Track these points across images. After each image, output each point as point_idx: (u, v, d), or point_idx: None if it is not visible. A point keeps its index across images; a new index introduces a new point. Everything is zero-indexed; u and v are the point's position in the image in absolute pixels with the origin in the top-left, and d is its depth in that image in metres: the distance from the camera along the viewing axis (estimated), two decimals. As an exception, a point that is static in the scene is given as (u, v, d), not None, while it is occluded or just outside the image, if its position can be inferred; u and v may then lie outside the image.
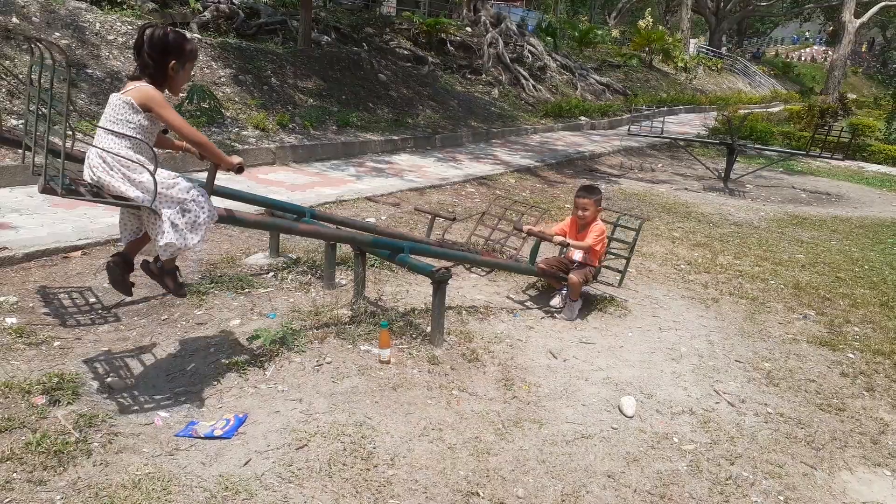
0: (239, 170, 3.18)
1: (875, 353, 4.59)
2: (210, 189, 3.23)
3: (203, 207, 2.95)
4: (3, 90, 7.41)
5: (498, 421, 3.28)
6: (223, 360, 3.56)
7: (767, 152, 13.92)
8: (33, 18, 8.81)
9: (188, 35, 3.02)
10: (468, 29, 19.53)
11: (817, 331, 4.93)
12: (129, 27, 9.98)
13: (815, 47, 61.32)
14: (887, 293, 5.97)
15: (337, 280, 4.79)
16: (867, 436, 3.51)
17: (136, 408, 3.09)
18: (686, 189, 10.87)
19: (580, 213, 4.77)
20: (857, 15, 31.12)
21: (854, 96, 33.62)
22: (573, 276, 4.64)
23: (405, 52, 16.20)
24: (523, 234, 5.01)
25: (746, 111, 20.76)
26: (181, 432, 2.93)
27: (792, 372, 4.19)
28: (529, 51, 19.86)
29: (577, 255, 4.84)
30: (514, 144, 13.26)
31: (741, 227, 8.26)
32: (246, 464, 2.76)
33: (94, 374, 3.32)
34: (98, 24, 9.62)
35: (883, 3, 32.30)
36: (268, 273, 4.87)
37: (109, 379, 3.29)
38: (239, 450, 2.84)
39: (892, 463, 3.29)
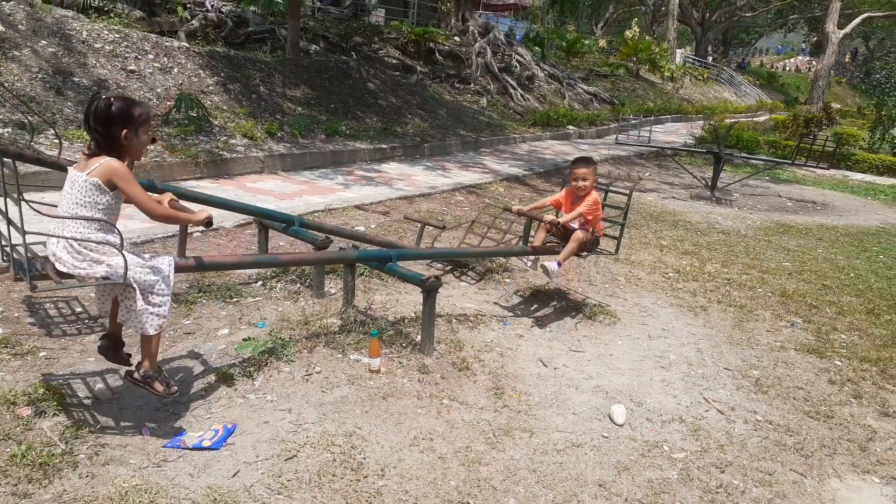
0: (207, 223, 3.04)
1: (862, 360, 4.62)
2: (183, 246, 3.15)
3: (165, 303, 2.87)
4: (-11, 98, 7.34)
5: (489, 430, 3.27)
6: (211, 370, 3.53)
7: (754, 161, 14.04)
8: (19, 27, 8.75)
9: (134, 98, 2.86)
10: (457, 38, 19.62)
11: (805, 338, 4.96)
12: (116, 35, 9.93)
13: (800, 57, 62.08)
14: (873, 301, 6.02)
15: (326, 289, 4.77)
16: (855, 443, 3.53)
17: (123, 419, 3.05)
18: (673, 198, 10.93)
19: (579, 183, 4.71)
20: (841, 26, 31.58)
21: (838, 106, 33.97)
22: (579, 232, 4.58)
23: (394, 61, 16.23)
24: (514, 213, 4.96)
25: (732, 120, 20.98)
26: (169, 443, 2.90)
27: (780, 379, 4.21)
28: (518, 60, 19.97)
29: (575, 225, 4.76)
30: (502, 153, 13.30)
31: (728, 236, 8.32)
32: (234, 475, 2.73)
33: (81, 385, 3.28)
34: (85, 33, 9.57)
35: (866, 14, 32.80)
36: (256, 282, 4.84)
37: (96, 389, 3.25)
38: (227, 461, 2.82)
39: (880, 470, 3.31)
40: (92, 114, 2.70)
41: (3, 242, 2.67)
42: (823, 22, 32.54)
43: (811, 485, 3.13)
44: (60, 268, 2.70)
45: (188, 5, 13.29)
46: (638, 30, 32.17)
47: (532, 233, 5.03)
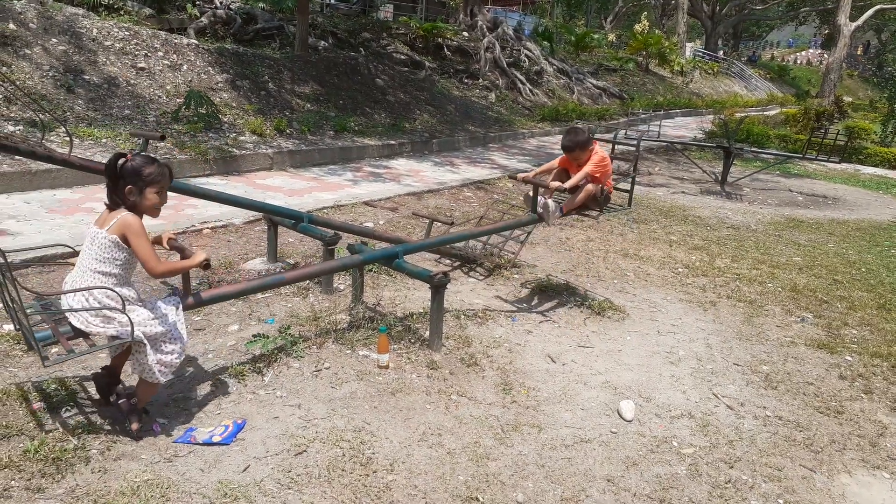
0: (205, 266, 3.01)
1: (873, 355, 4.59)
2: (188, 287, 3.14)
3: (176, 351, 2.88)
4: (1, 96, 7.40)
5: (497, 425, 3.28)
6: (221, 366, 3.56)
7: (764, 155, 13.95)
8: (30, 25, 8.81)
9: (157, 159, 2.86)
10: (465, 34, 19.58)
11: (815, 333, 4.94)
12: (126, 33, 9.98)
13: (811, 50, 61.54)
14: (884, 295, 5.98)
15: (335, 285, 4.79)
16: (866, 438, 3.52)
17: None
18: (683, 192, 10.89)
19: (573, 162, 4.67)
20: (853, 18, 31.26)
21: (850, 99, 33.73)
22: (591, 186, 4.53)
23: (402, 56, 16.23)
24: (519, 180, 4.87)
25: (743, 114, 20.83)
26: (179, 439, 2.92)
27: (790, 375, 4.20)
28: (526, 55, 19.91)
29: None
30: (511, 148, 13.28)
31: (738, 231, 8.28)
32: (245, 470, 2.75)
33: (92, 381, 3.31)
34: (95, 31, 9.63)
35: (878, 7, 32.47)
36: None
37: (107, 385, 3.28)
38: (238, 456, 2.84)
39: (890, 465, 3.29)
40: (107, 165, 2.79)
41: (16, 310, 2.68)
42: (835, 14, 32.21)
43: (821, 480, 3.12)
44: (75, 322, 2.74)
45: (197, 2, 13.34)
46: (647, 24, 32.03)
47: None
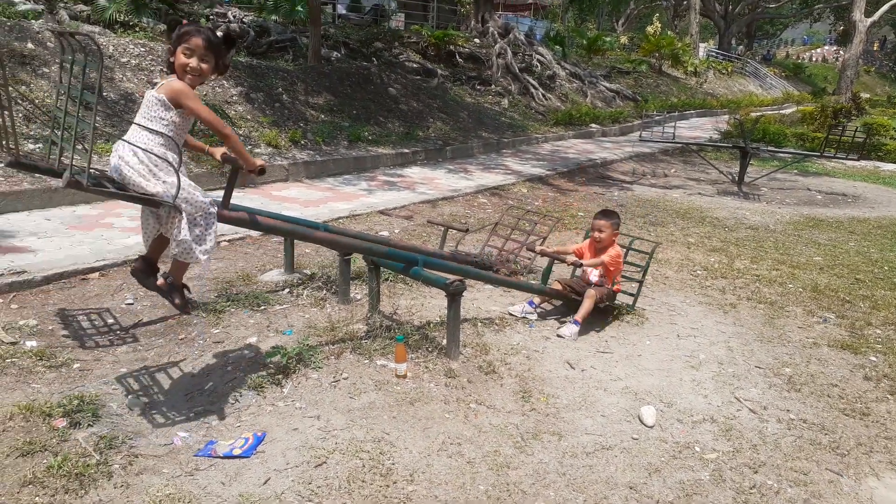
0: (261, 171, 3.20)
1: (898, 355, 4.52)
2: (228, 197, 3.23)
3: (207, 235, 3.00)
4: (20, 115, 7.52)
5: (517, 434, 3.26)
6: (241, 378, 3.57)
7: (781, 154, 13.81)
8: (48, 44, 8.95)
9: (201, 25, 3.12)
10: (476, 40, 19.62)
11: (838, 334, 4.87)
12: (142, 49, 10.10)
13: (826, 47, 60.95)
14: (909, 294, 5.88)
15: (352, 295, 4.80)
16: (893, 440, 3.45)
17: (155, 428, 3.10)
18: (700, 194, 10.80)
19: (597, 234, 4.75)
20: (868, 14, 30.89)
21: (867, 95, 33.32)
22: (592, 290, 4.60)
23: (414, 65, 16.29)
24: (536, 254, 4.99)
25: (758, 113, 20.67)
26: (200, 452, 2.94)
27: (814, 377, 4.14)
28: (538, 60, 19.90)
29: (594, 277, 4.81)
30: (525, 154, 13.26)
31: (757, 231, 8.19)
32: (265, 483, 2.76)
33: (114, 396, 3.34)
34: (111, 47, 9.76)
35: (894, 1, 32.06)
36: (283, 290, 4.89)
37: (129, 400, 3.31)
38: (258, 468, 2.84)
39: (919, 468, 3.23)
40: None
41: (63, 146, 2.73)
42: (850, 10, 31.85)
43: (848, 484, 3.06)
44: (125, 169, 2.79)
45: (211, 17, 13.49)
46: (660, 25, 31.84)
47: (552, 279, 5.03)
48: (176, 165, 2.82)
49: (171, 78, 2.94)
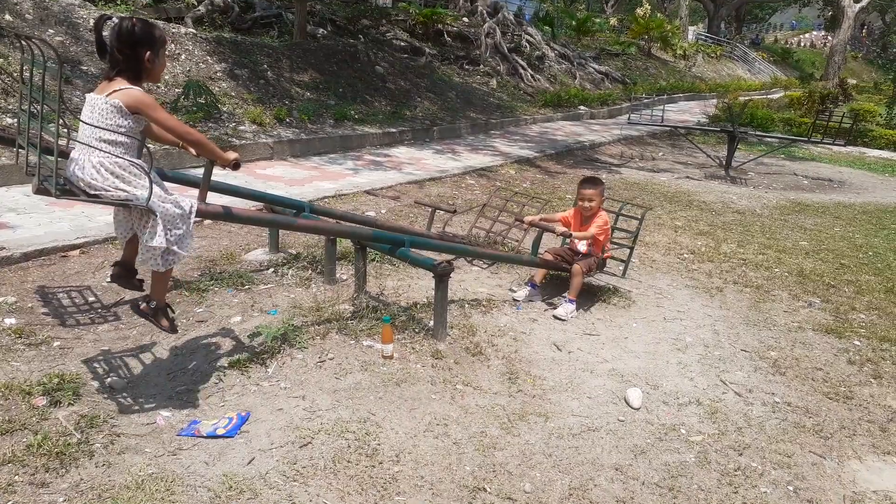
0: (235, 166, 3.13)
1: (881, 339, 4.55)
2: (205, 191, 3.18)
3: (183, 239, 2.89)
4: (-2, 88, 7.35)
5: (503, 415, 3.25)
6: (225, 358, 3.53)
7: (768, 139, 13.85)
8: (26, 16, 8.74)
9: (151, 20, 2.96)
10: (465, 19, 19.42)
11: (823, 318, 4.90)
12: (124, 23, 9.90)
13: (815, 33, 61.05)
14: (892, 279, 5.93)
15: (338, 275, 4.75)
16: (876, 424, 3.48)
17: (137, 408, 3.06)
18: (687, 177, 10.81)
19: (585, 204, 4.73)
20: (856, -1, 30.94)
21: (854, 81, 33.46)
22: (577, 266, 4.59)
23: (402, 43, 16.11)
24: (525, 227, 4.96)
25: (746, 98, 20.68)
26: (183, 432, 2.90)
27: (798, 360, 4.16)
28: (527, 40, 19.76)
29: (582, 247, 4.80)
30: (513, 135, 13.19)
31: (744, 215, 8.22)
32: (249, 462, 2.73)
33: (95, 375, 3.29)
34: (92, 21, 9.54)
35: (882, -13, 32.09)
36: (268, 269, 4.83)
37: (110, 379, 3.26)
38: (242, 448, 2.81)
39: (901, 451, 3.26)
40: (115, 35, 2.73)
41: (30, 153, 2.64)
42: (839, -4, 31.89)
43: (831, 466, 3.08)
44: (84, 187, 2.68)
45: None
46: (649, 7, 31.73)
47: (541, 250, 5.01)
48: (146, 168, 2.70)
49: (124, 84, 2.73)
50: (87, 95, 2.79)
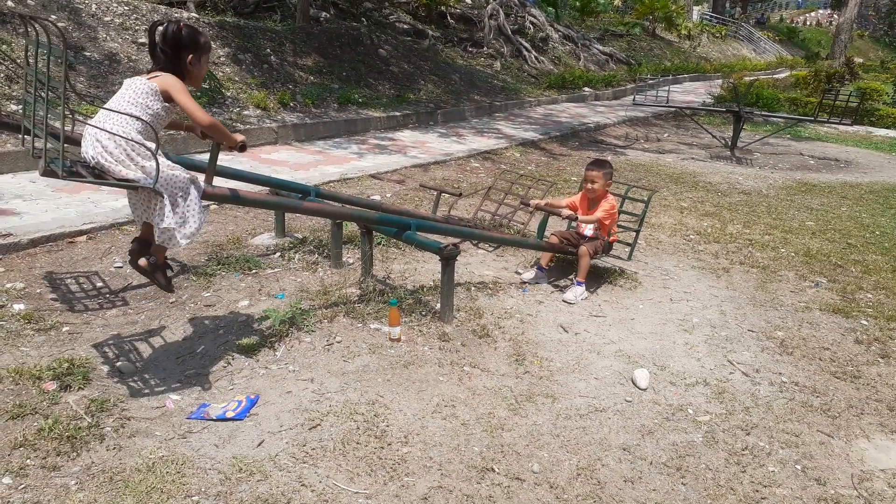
0: (242, 147, 3.14)
1: (889, 319, 4.54)
2: (211, 174, 3.18)
3: (192, 216, 2.91)
4: (2, 75, 7.34)
5: (511, 396, 3.26)
6: (233, 342, 3.54)
7: (774, 119, 13.75)
8: (29, 2, 8.70)
9: (199, 28, 3.02)
10: (468, 1, 19.26)
11: (830, 298, 4.88)
12: (126, 8, 9.85)
13: (820, 11, 60.40)
14: (899, 259, 5.90)
15: (344, 259, 4.76)
16: (883, 403, 3.48)
17: (147, 391, 3.08)
18: (693, 158, 10.76)
19: (589, 185, 4.71)
20: (864, -24, 30.53)
21: (861, 60, 33.08)
22: (584, 248, 4.58)
23: (405, 26, 16.00)
24: (531, 210, 4.95)
25: (752, 78, 20.51)
26: (193, 415, 2.92)
27: (805, 340, 4.16)
28: (531, 22, 19.61)
29: (588, 230, 4.78)
30: (517, 117, 13.13)
31: (750, 196, 8.18)
32: (259, 445, 2.75)
33: (104, 359, 3.31)
34: (94, 6, 9.50)
35: (890, -36, 31.65)
36: (274, 253, 4.84)
37: (120, 363, 3.28)
38: (252, 431, 2.83)
39: (909, 429, 3.26)
40: (161, 37, 2.88)
41: (38, 135, 2.66)
42: (846, -27, 31.48)
43: (838, 445, 3.09)
44: (101, 158, 2.69)
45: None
46: (653, -13, 31.36)
47: (547, 233, 5.00)
48: (154, 151, 2.74)
49: (164, 73, 2.87)
50: (129, 78, 2.89)
